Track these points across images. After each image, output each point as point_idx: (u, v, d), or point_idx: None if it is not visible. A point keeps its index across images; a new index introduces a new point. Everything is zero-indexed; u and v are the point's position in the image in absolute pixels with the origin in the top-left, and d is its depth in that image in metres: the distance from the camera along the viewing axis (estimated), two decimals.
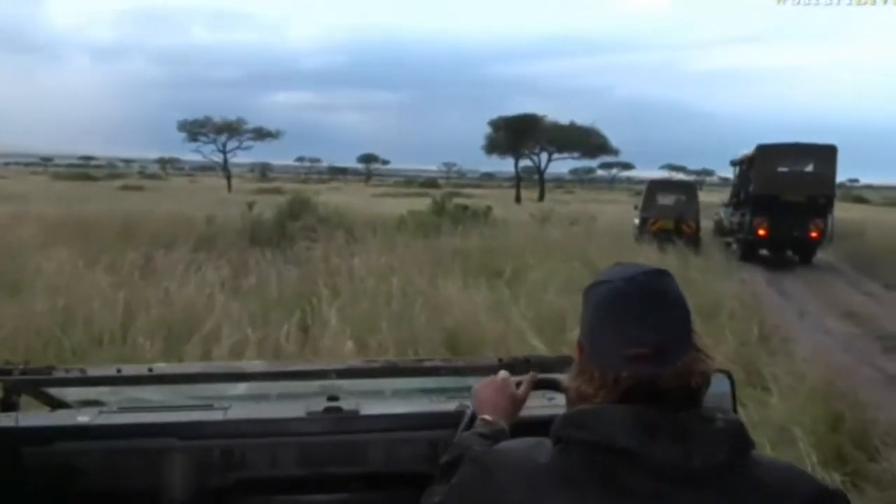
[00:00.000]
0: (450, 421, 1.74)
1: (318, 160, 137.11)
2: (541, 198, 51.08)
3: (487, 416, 1.53)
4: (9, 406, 1.97)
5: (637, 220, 18.83)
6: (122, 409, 2.02)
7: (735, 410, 1.75)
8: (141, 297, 6.89)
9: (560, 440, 1.13)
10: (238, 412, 1.98)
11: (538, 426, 1.31)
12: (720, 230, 21.13)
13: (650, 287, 1.14)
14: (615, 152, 61.02)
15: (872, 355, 8.66)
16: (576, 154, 57.52)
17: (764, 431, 4.96)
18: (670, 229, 17.54)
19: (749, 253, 17.84)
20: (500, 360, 2.06)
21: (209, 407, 2.01)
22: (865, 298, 13.12)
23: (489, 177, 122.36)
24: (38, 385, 2.02)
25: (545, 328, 7.20)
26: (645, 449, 1.06)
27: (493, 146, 54.51)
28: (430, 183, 77.79)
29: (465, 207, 20.92)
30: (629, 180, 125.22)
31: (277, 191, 40.13)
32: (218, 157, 62.01)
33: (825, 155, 17.46)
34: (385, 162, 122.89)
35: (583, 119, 60.41)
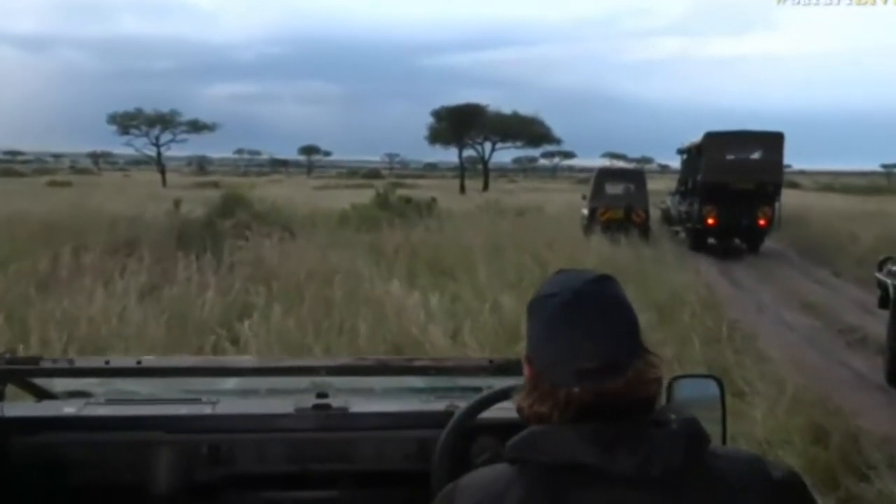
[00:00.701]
0: (439, 421, 1.72)
1: (258, 153, 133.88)
2: (485, 187, 50.77)
3: None
4: None
5: (586, 211, 18.36)
6: (110, 401, 1.99)
7: (724, 416, 1.71)
8: (39, 311, 6.03)
9: (515, 461, 1.10)
10: (227, 407, 1.95)
11: (502, 429, 1.26)
12: (668, 219, 20.91)
13: (597, 297, 1.10)
14: (558, 141, 61.06)
15: (838, 351, 8.32)
16: (519, 143, 57.28)
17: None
18: (620, 219, 17.08)
19: (698, 242, 17.60)
20: (490, 360, 2.05)
21: (197, 401, 1.97)
22: (818, 287, 12.92)
23: (432, 167, 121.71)
24: (24, 375, 1.99)
25: (499, 336, 6.61)
26: (604, 464, 1.03)
27: (436, 136, 53.79)
28: (373, 174, 77.10)
29: (409, 200, 20.24)
30: (570, 169, 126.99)
31: (215, 185, 38.68)
32: (151, 151, 59.84)
33: (772, 142, 17.27)
34: (327, 153, 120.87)
35: (525, 109, 59.94)
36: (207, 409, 1.92)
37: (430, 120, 53.55)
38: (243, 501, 1.90)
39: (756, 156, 17.51)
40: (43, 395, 2.07)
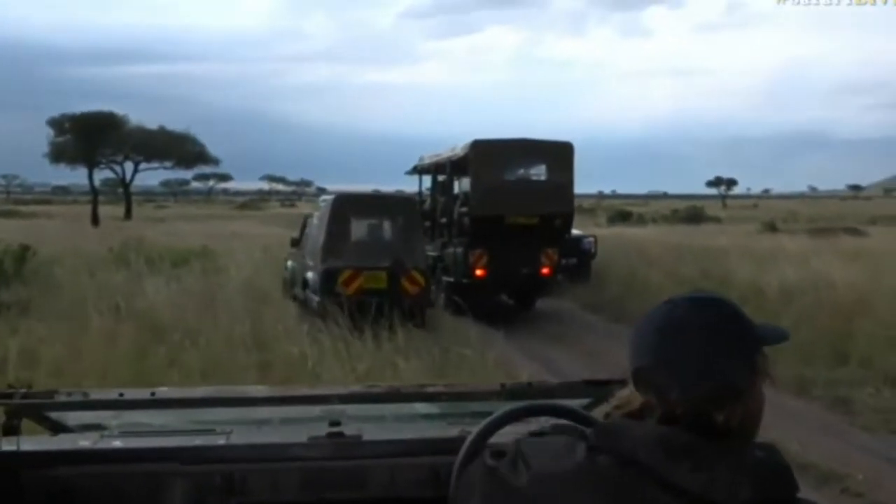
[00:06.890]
0: (452, 447, 1.69)
1: None
2: (127, 215, 41.06)
3: None
4: (10, 430, 1.85)
5: (308, 272, 10.45)
6: (124, 434, 2.00)
7: None
8: None
9: (591, 447, 1.09)
10: (240, 437, 1.94)
11: None
12: None
13: (677, 314, 1.09)
14: (215, 162, 52.57)
15: None
16: (168, 164, 47.73)
17: None
18: (382, 290, 9.45)
19: (458, 303, 11.45)
20: (502, 385, 2.02)
21: (211, 432, 1.96)
22: None
23: (63, 191, 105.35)
24: (39, 409, 1.97)
25: None
26: (665, 471, 1.00)
27: (59, 153, 41.87)
28: None
29: None
30: (226, 192, 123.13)
31: None
32: None
33: (560, 155, 12.02)
34: None
35: (174, 127, 49.79)
36: (221, 440, 1.90)
37: (50, 132, 41.72)
38: None
39: (541, 175, 12.36)
40: (58, 428, 2.04)
